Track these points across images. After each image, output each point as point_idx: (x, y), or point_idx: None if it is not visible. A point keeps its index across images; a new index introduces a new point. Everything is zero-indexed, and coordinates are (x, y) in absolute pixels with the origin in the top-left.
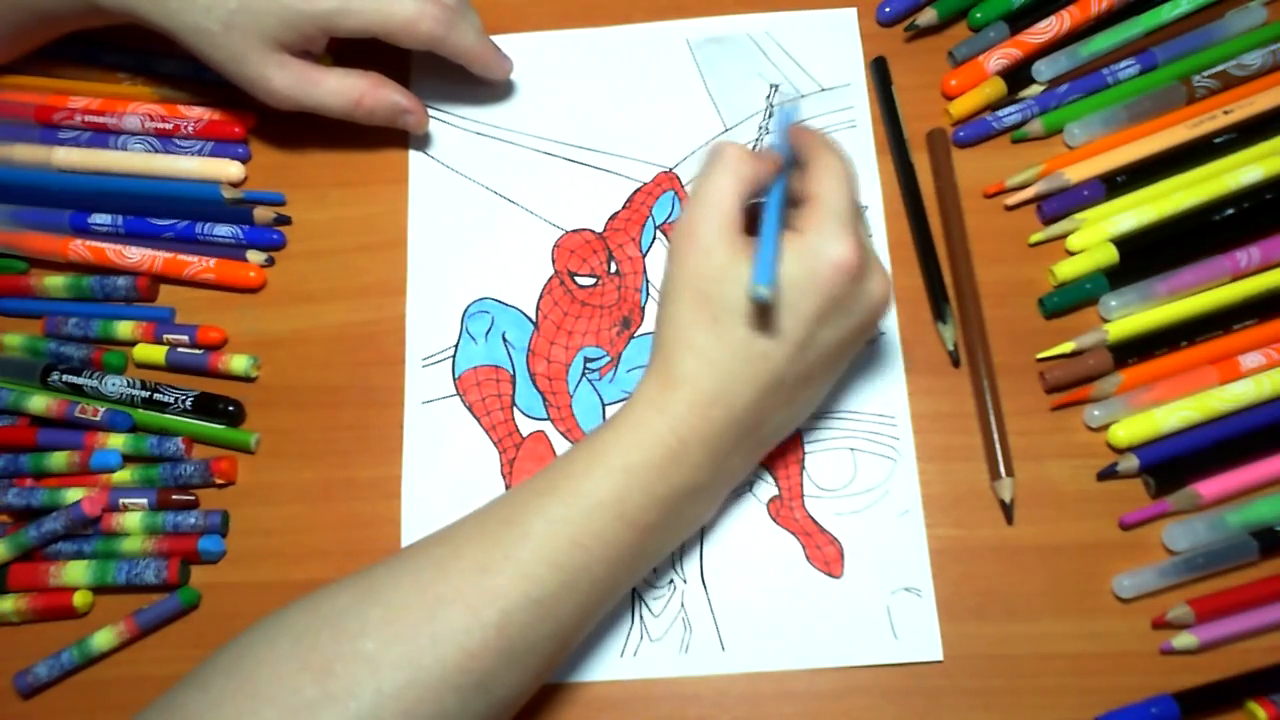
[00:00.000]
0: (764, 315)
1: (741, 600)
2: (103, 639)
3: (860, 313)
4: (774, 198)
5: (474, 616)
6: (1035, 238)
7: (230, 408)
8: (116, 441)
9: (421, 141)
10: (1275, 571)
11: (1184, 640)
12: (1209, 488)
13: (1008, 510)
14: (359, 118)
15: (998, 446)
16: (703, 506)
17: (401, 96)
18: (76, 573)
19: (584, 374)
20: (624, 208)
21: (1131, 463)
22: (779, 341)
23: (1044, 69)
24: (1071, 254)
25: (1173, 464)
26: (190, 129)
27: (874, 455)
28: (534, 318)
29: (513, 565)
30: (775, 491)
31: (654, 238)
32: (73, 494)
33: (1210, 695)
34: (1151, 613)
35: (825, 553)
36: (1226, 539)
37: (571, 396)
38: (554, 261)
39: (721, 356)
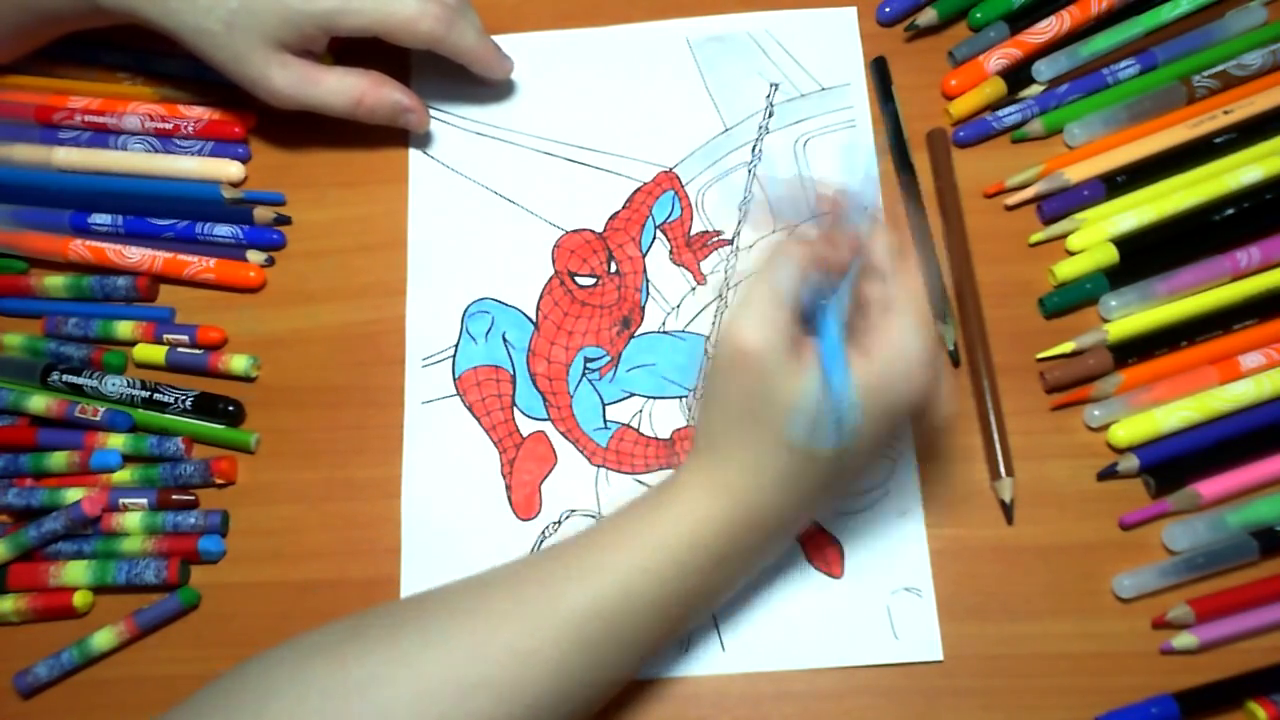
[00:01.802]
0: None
1: (742, 600)
2: (103, 639)
3: (898, 431)
4: (831, 316)
5: (500, 704)
6: (1035, 238)
7: (230, 408)
8: (116, 441)
9: (421, 141)
10: (1275, 571)
11: (1184, 640)
12: (1209, 488)
13: (1008, 510)
14: (360, 116)
15: (998, 446)
16: (720, 599)
17: (402, 95)
18: (76, 573)
19: (584, 374)
20: (624, 207)
21: (1131, 463)
22: (834, 464)
23: (1044, 69)
24: (1071, 254)
25: (1173, 464)
26: (190, 129)
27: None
28: (534, 318)
29: (547, 650)
30: None
31: (654, 237)
32: (73, 494)
33: (1210, 695)
34: (1151, 613)
35: (825, 553)
36: (1226, 539)
37: (572, 396)
38: (554, 261)
39: (773, 473)
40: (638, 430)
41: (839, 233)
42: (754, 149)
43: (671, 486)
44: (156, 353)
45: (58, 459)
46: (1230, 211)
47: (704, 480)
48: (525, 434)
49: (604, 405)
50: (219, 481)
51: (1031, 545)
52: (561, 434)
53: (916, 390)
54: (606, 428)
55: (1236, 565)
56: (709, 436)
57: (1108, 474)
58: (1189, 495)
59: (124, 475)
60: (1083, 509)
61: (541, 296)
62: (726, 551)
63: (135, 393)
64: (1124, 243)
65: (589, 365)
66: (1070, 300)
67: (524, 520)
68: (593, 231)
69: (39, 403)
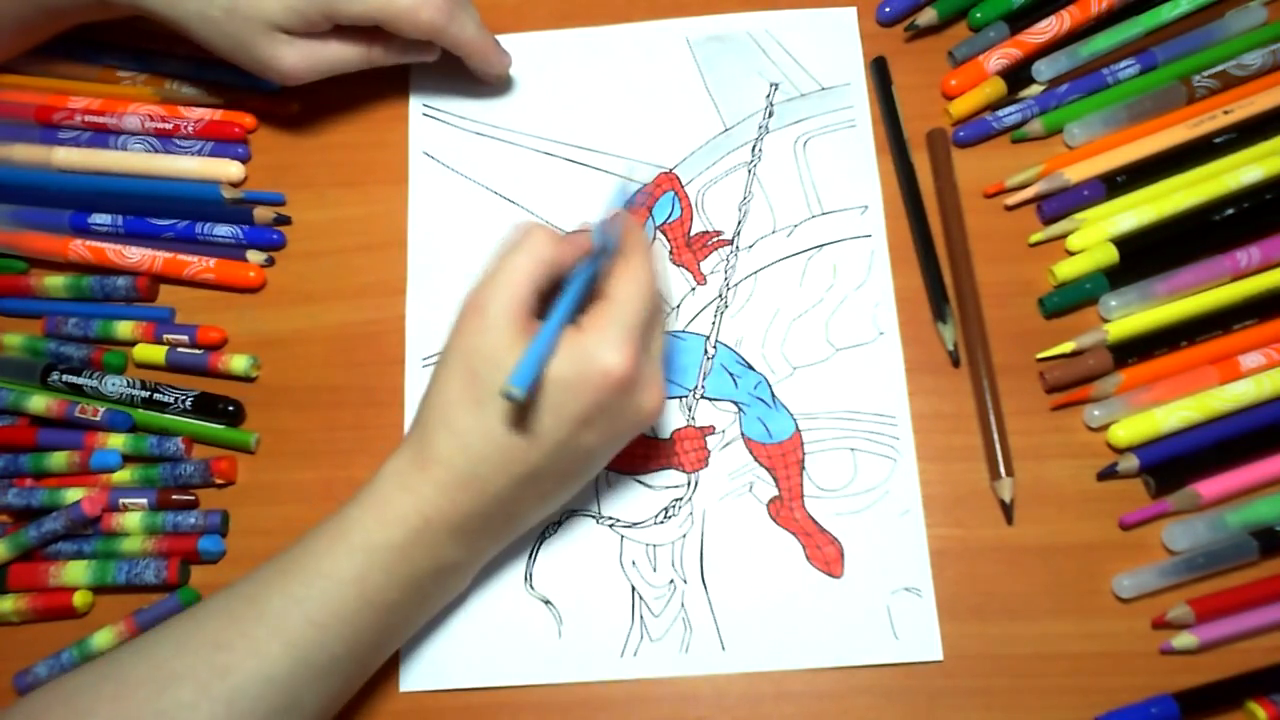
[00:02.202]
0: (525, 410)
1: (742, 600)
2: (103, 639)
3: (626, 422)
4: (569, 291)
5: (202, 692)
6: (1035, 238)
7: (230, 408)
8: (116, 441)
9: (421, 141)
10: (1275, 571)
11: (1184, 640)
12: (1209, 488)
13: (1008, 510)
14: (373, 66)
15: (998, 446)
16: (452, 583)
17: (407, 46)
18: (76, 573)
19: None
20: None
21: (1131, 463)
22: (538, 438)
23: (1044, 69)
24: (1071, 254)
25: (1173, 464)
26: (190, 129)
27: (874, 455)
28: None
29: (246, 642)
30: (775, 492)
31: (654, 238)
32: (73, 494)
33: (1210, 695)
34: (1151, 613)
35: (825, 553)
36: (1226, 539)
37: None
38: None
39: (478, 442)
40: None
41: (583, 236)
42: (754, 149)
43: (379, 471)
44: (156, 353)
45: (58, 459)
46: (1230, 211)
47: (414, 453)
48: None
49: None
50: (219, 481)
51: (1031, 545)
52: None
53: (612, 377)
54: None
55: (1236, 565)
56: (425, 409)
57: (1108, 474)
58: (1189, 495)
59: (124, 475)
60: (1083, 509)
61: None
62: (435, 523)
63: (135, 393)
64: (1124, 243)
65: None
66: (1070, 300)
67: None
68: None
69: (39, 403)
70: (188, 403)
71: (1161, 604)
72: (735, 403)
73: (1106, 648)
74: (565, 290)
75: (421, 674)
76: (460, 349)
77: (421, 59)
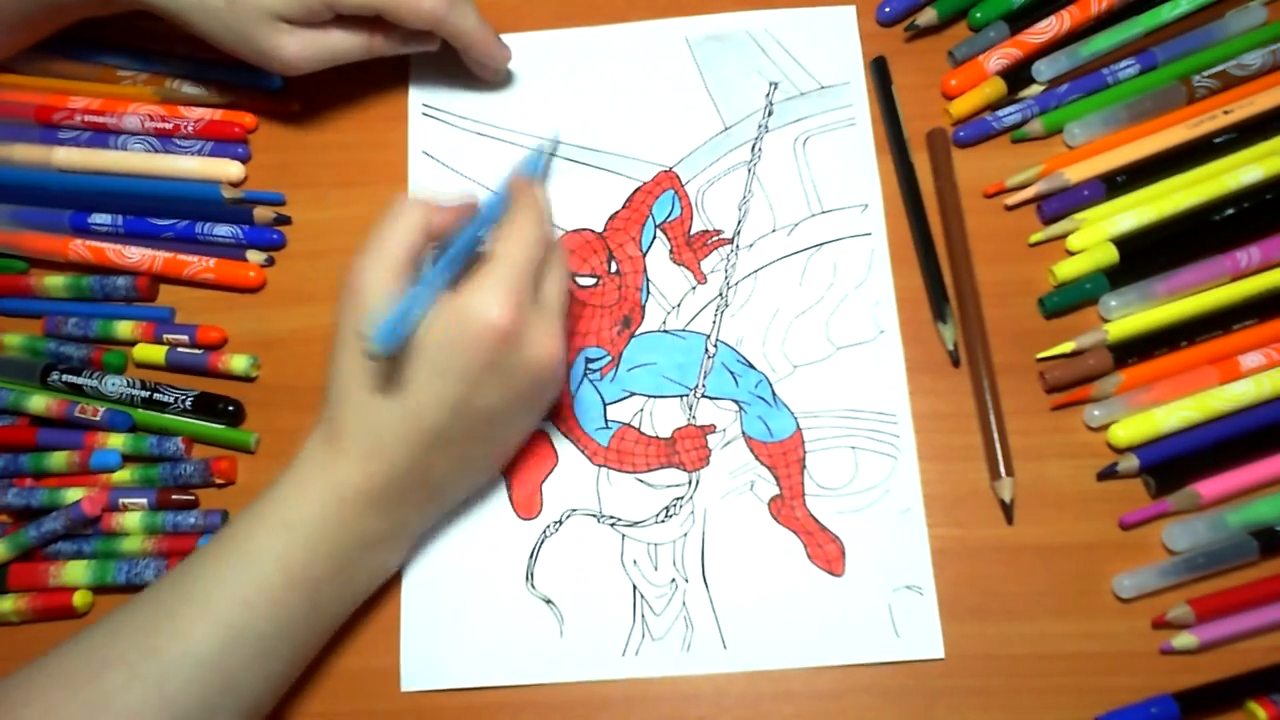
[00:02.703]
0: (412, 376)
1: (743, 599)
2: None
3: (522, 377)
4: (445, 254)
5: (133, 676)
6: (1035, 238)
7: (230, 408)
8: (116, 441)
9: (421, 141)
10: (1275, 571)
11: (1184, 640)
12: (1209, 488)
13: (1008, 510)
14: (373, 56)
15: (998, 446)
16: (382, 556)
17: (408, 35)
18: (76, 573)
19: (585, 374)
20: (624, 207)
21: (1131, 463)
22: (430, 401)
23: (1044, 69)
24: (1071, 254)
25: (1173, 464)
26: (190, 129)
27: (875, 453)
28: None
29: (173, 624)
30: (776, 490)
31: (654, 237)
32: (73, 494)
33: (1210, 695)
34: (1151, 613)
35: (826, 551)
36: (1226, 539)
37: (573, 396)
38: None
39: (375, 412)
40: (639, 429)
41: (465, 204)
42: (754, 148)
43: (298, 453)
44: (156, 353)
45: (58, 459)
46: (1230, 211)
47: (324, 431)
48: None
49: (605, 405)
50: (219, 481)
51: (1031, 545)
52: (562, 434)
53: (492, 330)
54: (608, 427)
55: (1236, 565)
56: (329, 390)
57: (1108, 474)
58: (1189, 495)
59: (124, 475)
60: (1083, 509)
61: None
62: (350, 497)
63: (135, 393)
64: (1124, 243)
65: (590, 365)
66: (1070, 300)
67: (525, 520)
68: (593, 231)
69: (39, 403)
70: (188, 403)
71: (1161, 604)
72: (736, 401)
73: (1106, 648)
74: (442, 255)
75: (422, 674)
76: (348, 326)
77: (423, 48)
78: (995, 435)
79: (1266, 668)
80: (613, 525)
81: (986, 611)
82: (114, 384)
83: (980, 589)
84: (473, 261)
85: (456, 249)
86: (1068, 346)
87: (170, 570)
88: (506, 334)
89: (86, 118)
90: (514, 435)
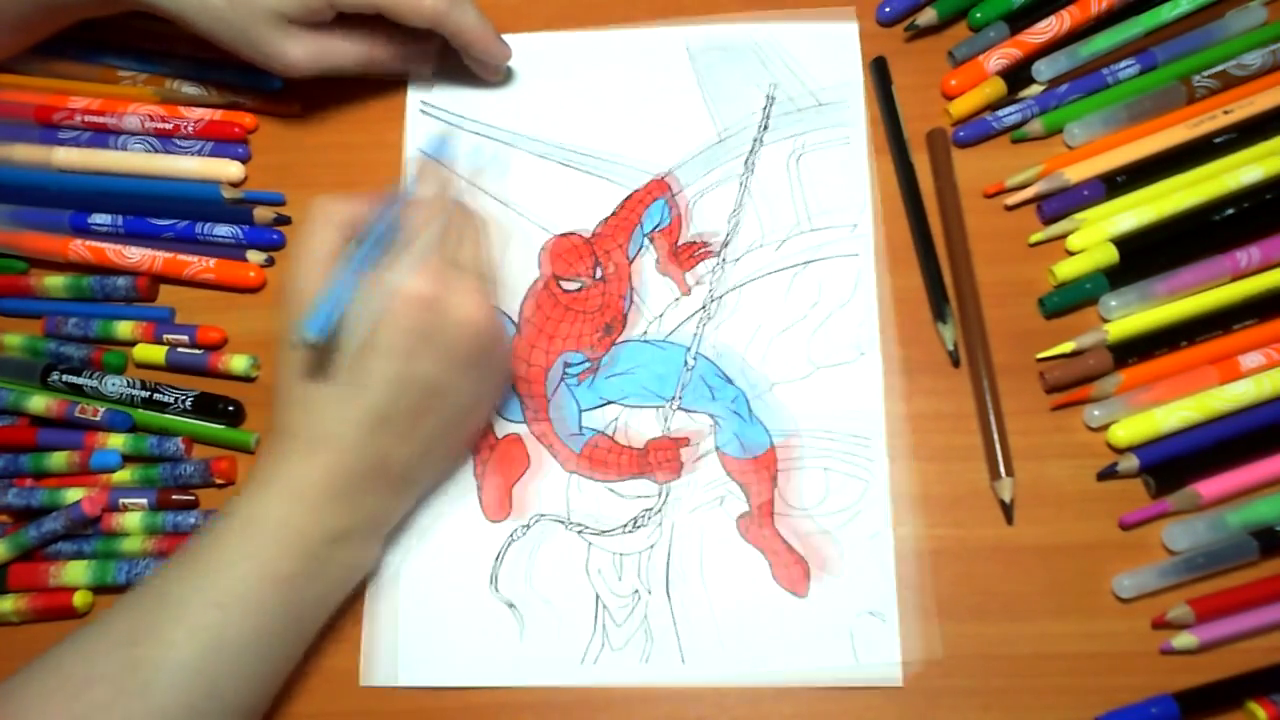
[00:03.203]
0: (343, 358)
1: (704, 614)
2: None
3: (454, 340)
4: (364, 241)
5: (117, 690)
6: (1035, 238)
7: (230, 408)
8: (116, 441)
9: (419, 140)
10: (1275, 571)
11: (1184, 640)
12: (1209, 488)
13: (1008, 510)
14: (371, 71)
15: (998, 446)
16: (353, 552)
17: (410, 51)
18: (76, 573)
19: (563, 379)
20: (615, 213)
21: (1131, 463)
22: (369, 379)
23: (1044, 69)
24: (1071, 254)
25: (1173, 464)
26: (190, 129)
27: (847, 476)
28: (516, 320)
29: (152, 634)
30: (746, 507)
31: (642, 244)
32: (73, 494)
33: (1210, 695)
34: (1151, 613)
35: (791, 572)
36: (1226, 539)
37: (549, 401)
38: (541, 264)
39: (318, 402)
40: (612, 438)
41: (397, 194)
42: (747, 161)
43: (255, 458)
44: (156, 353)
45: (58, 459)
46: (1230, 211)
47: (276, 433)
48: (500, 436)
49: (580, 411)
50: (219, 481)
51: (1031, 545)
52: (536, 438)
53: (413, 298)
54: (582, 434)
55: (1236, 565)
56: (276, 394)
57: (1108, 474)
58: (1189, 495)
59: (124, 475)
60: (1083, 509)
61: (525, 299)
62: (306, 490)
63: (135, 393)
64: (1124, 243)
65: (568, 370)
66: (1070, 300)
67: (493, 522)
68: (581, 235)
69: (39, 403)
70: (188, 403)
71: (1161, 604)
72: (712, 415)
73: (1106, 648)
74: (359, 244)
75: (382, 670)
76: (283, 328)
77: (419, 73)
78: (995, 435)
79: (1266, 668)
80: (580, 533)
81: (986, 612)
82: (114, 384)
83: (980, 589)
84: (389, 246)
85: (373, 234)
86: (1068, 346)
87: (143, 582)
88: (427, 299)
89: (86, 118)
90: (468, 411)
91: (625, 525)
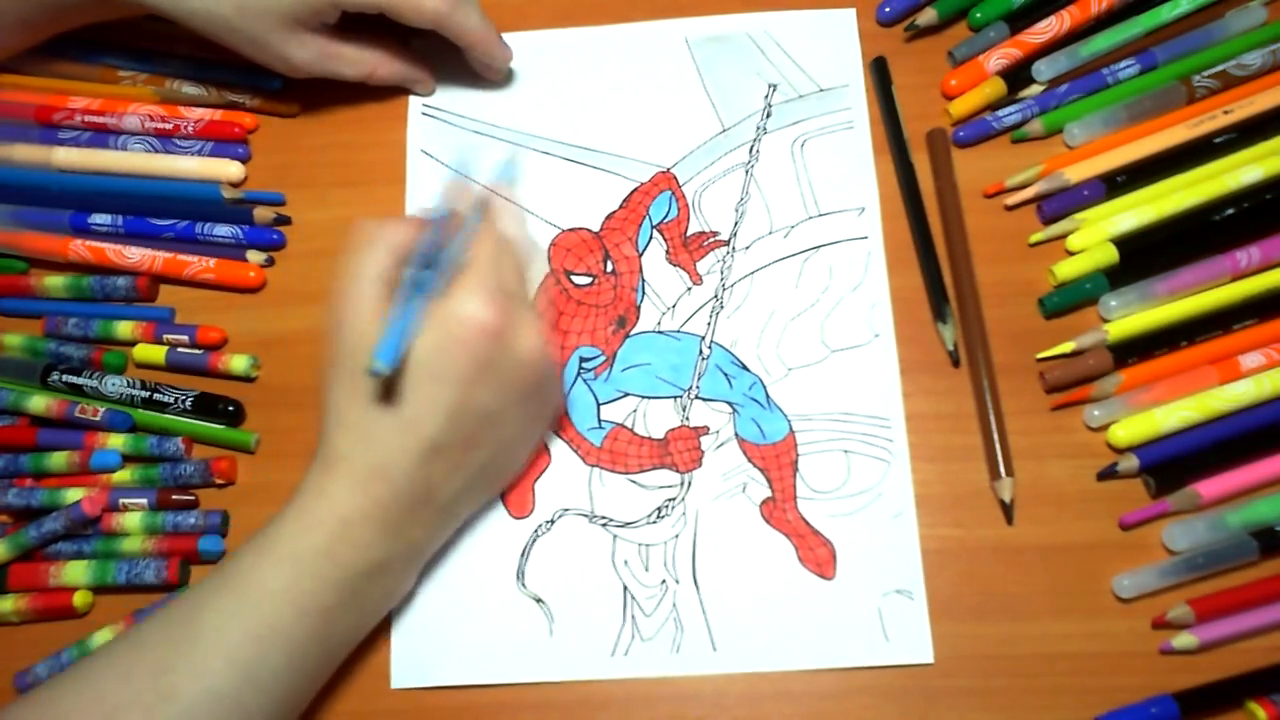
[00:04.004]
0: (407, 385)
1: (733, 601)
2: (102, 639)
3: (515, 372)
4: (423, 269)
5: (150, 717)
6: (1035, 238)
7: (230, 408)
8: (116, 441)
9: (420, 139)
10: (1275, 571)
11: (1184, 640)
12: (1209, 488)
13: (1008, 510)
14: (371, 83)
15: (998, 446)
16: (390, 582)
17: (410, 68)
18: (76, 573)
19: (579, 373)
20: (621, 207)
21: (1131, 463)
22: (427, 409)
23: (1044, 69)
24: (1071, 254)
25: (1173, 464)
26: (190, 129)
27: (867, 457)
28: None
29: (187, 663)
30: (768, 493)
31: (650, 237)
32: (73, 494)
33: (1210, 695)
34: (1151, 613)
35: (818, 554)
36: (1226, 539)
37: (567, 396)
38: (550, 260)
39: (373, 429)
40: (632, 430)
41: (441, 216)
42: (752, 150)
43: (300, 484)
44: (156, 353)
45: (58, 459)
46: (1230, 211)
47: (321, 459)
48: None
49: (599, 405)
50: (219, 481)
51: (1031, 545)
52: (555, 433)
53: (480, 329)
54: (601, 427)
55: (1236, 565)
56: (324, 418)
57: (1108, 474)
58: (1189, 495)
59: (124, 475)
60: (1083, 509)
61: (537, 295)
62: (353, 520)
63: (135, 393)
64: (1124, 243)
65: (584, 365)
66: (1070, 300)
67: (517, 518)
68: (589, 230)
69: (39, 403)
70: (188, 403)
71: (1161, 604)
72: (730, 403)
73: (1106, 648)
74: (414, 265)
75: (412, 671)
76: (336, 354)
77: (419, 84)
78: (995, 435)
79: (1266, 668)
80: (604, 525)
81: (986, 612)
82: (114, 384)
83: (980, 589)
84: (443, 271)
85: (425, 257)
86: (1068, 346)
87: (169, 605)
88: (496, 331)
89: (86, 118)
90: (515, 445)
91: (649, 516)
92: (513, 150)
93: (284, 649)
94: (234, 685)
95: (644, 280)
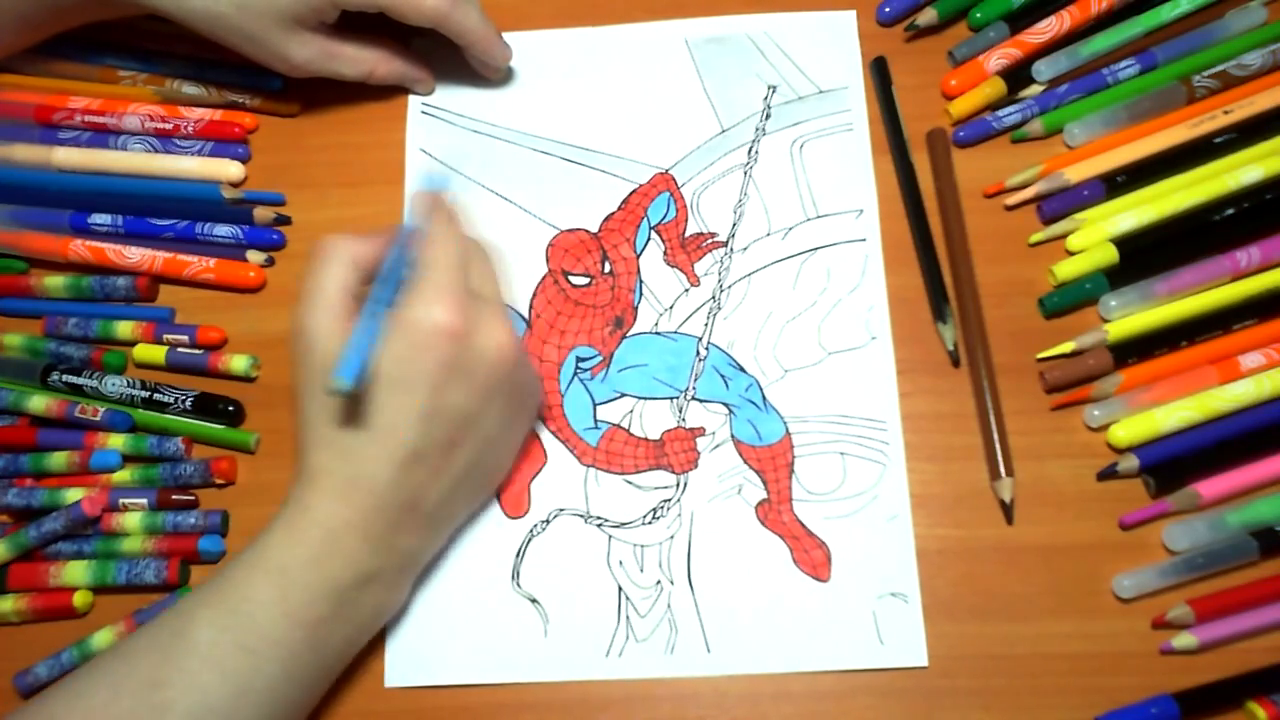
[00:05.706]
0: (376, 396)
1: (728, 602)
2: (102, 639)
3: (482, 370)
4: (381, 280)
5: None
6: (1035, 238)
7: (230, 408)
8: (116, 441)
9: (419, 139)
10: (1275, 571)
11: (1184, 640)
12: (1209, 488)
13: (1008, 510)
14: (371, 82)
15: (998, 446)
16: (381, 593)
17: (410, 68)
18: (76, 573)
19: (576, 373)
20: (619, 208)
21: (1131, 463)
22: (402, 417)
23: (1044, 69)
24: (1071, 254)
25: (1173, 464)
26: (190, 129)
27: (863, 460)
28: (527, 316)
29: (181, 676)
30: (764, 494)
31: (648, 238)
32: (73, 494)
33: (1210, 695)
34: (1151, 613)
35: (813, 556)
36: (1226, 539)
37: (563, 396)
38: (548, 260)
39: (350, 444)
40: (628, 431)
41: (406, 231)
42: (750, 151)
43: (285, 499)
44: (156, 353)
45: (58, 459)
46: (1230, 211)
47: (303, 475)
48: None
49: (595, 405)
50: (219, 481)
51: (1031, 545)
52: (552, 433)
53: (441, 330)
54: (597, 427)
55: (1236, 565)
56: (300, 436)
57: (1108, 474)
58: (1189, 495)
59: (124, 475)
60: (1083, 509)
61: (534, 295)
62: (338, 531)
63: (135, 393)
64: (1124, 243)
65: (581, 365)
66: (1070, 300)
67: (512, 518)
68: (587, 231)
69: (39, 403)
70: (188, 403)
71: (1161, 604)
72: (726, 405)
73: (1106, 648)
74: (377, 280)
75: (407, 670)
76: (305, 374)
77: (418, 84)
78: (995, 435)
79: (1266, 668)
80: (600, 526)
81: (986, 612)
82: (114, 384)
83: (980, 589)
84: (405, 282)
85: (388, 271)
86: (1068, 346)
87: (160, 618)
88: (457, 332)
89: (86, 118)
90: (497, 442)
91: (645, 517)
92: (433, 164)
93: (277, 661)
94: (227, 698)
95: (641, 281)
